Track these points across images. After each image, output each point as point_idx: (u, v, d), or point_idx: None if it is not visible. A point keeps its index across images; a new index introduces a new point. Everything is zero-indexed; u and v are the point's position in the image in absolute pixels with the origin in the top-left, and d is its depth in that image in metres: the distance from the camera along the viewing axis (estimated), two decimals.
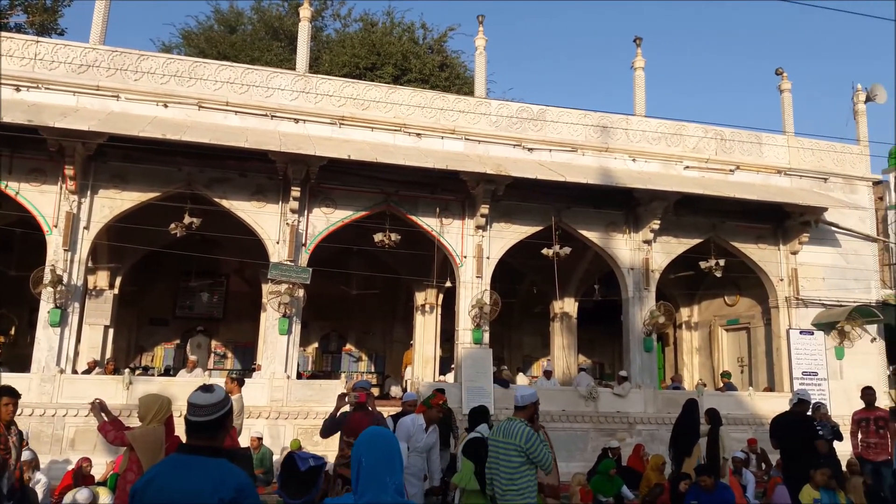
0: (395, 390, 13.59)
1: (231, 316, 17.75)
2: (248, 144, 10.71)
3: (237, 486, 2.42)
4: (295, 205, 11.76)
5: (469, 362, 12.39)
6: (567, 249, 12.81)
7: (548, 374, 14.45)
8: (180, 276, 17.07)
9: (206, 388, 2.60)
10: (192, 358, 13.74)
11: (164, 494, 2.39)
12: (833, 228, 14.65)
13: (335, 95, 12.62)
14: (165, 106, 11.83)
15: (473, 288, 12.71)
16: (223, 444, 2.58)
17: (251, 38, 24.52)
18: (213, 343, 17.91)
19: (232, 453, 4.87)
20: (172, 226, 11.47)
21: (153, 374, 15.10)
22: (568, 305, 17.18)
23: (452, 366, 13.58)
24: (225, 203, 11.90)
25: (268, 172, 11.77)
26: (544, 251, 12.90)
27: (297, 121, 12.39)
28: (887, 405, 12.45)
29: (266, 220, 11.97)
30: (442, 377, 15.37)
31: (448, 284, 13.84)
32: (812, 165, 14.93)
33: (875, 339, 14.51)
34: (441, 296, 16.43)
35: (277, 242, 11.89)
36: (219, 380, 10.75)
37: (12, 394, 5.65)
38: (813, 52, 75.42)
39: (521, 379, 16.13)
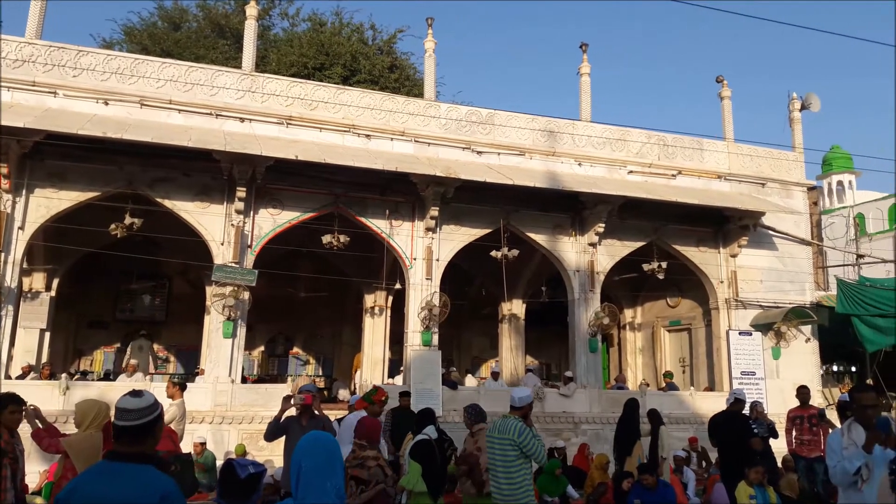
0: (342, 394, 13.47)
1: (174, 319, 17.33)
2: (192, 144, 10.48)
3: (162, 493, 2.37)
4: (240, 206, 11.56)
5: (418, 364, 12.39)
6: (515, 252, 12.95)
7: (495, 375, 14.54)
8: (121, 277, 16.58)
9: (135, 393, 2.56)
10: (133, 362, 13.35)
11: (89, 502, 2.33)
12: (770, 232, 15.17)
13: (282, 95, 12.47)
14: (106, 103, 11.49)
15: (423, 290, 12.73)
16: (152, 451, 2.54)
17: (196, 35, 24.03)
18: (156, 347, 17.45)
19: (171, 459, 4.77)
20: (113, 226, 11.14)
21: (92, 379, 14.63)
22: (516, 307, 17.35)
23: (402, 368, 13.56)
24: (168, 203, 11.63)
25: (212, 172, 11.54)
26: (493, 253, 13.02)
27: (242, 120, 12.19)
28: (821, 404, 12.96)
29: (210, 221, 11.74)
30: (390, 380, 15.32)
31: (398, 286, 13.81)
32: (751, 171, 15.44)
33: (809, 339, 15.08)
34: (391, 298, 16.37)
35: (222, 244, 11.67)
36: (160, 384, 10.49)
37: (18, 401, 5.38)
38: (752, 62, 78.09)
39: (470, 380, 16.18)
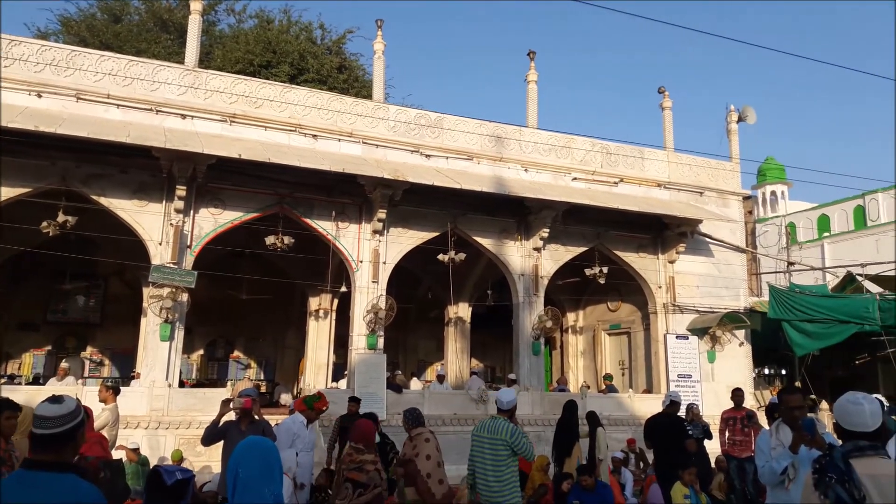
0: (285, 398, 13.30)
1: (109, 321, 16.78)
2: (130, 140, 10.16)
3: (83, 502, 2.28)
4: (180, 204, 11.27)
5: (363, 368, 12.30)
6: (462, 255, 13.01)
7: (441, 378, 14.58)
8: (53, 278, 15.95)
9: (54, 399, 2.45)
10: (64, 365, 12.83)
11: None
12: (707, 239, 15.64)
13: (226, 92, 12.23)
14: (39, 96, 11.06)
15: (369, 293, 12.64)
16: (72, 458, 2.44)
17: (138, 29, 23.40)
18: (90, 349, 16.86)
19: (100, 465, 4.61)
20: (44, 224, 10.71)
21: (20, 383, 14.03)
22: (462, 310, 17.42)
23: (346, 372, 13.43)
24: (103, 201, 11.25)
25: (151, 170, 11.22)
26: (440, 257, 13.03)
27: (184, 117, 11.90)
28: (753, 405, 13.40)
29: (148, 220, 11.40)
30: (334, 384, 15.19)
31: (343, 289, 13.70)
32: (689, 180, 15.88)
33: (743, 343, 15.60)
34: (336, 301, 16.24)
35: (160, 244, 11.35)
36: (93, 388, 10.12)
37: (14, 407, 5.08)
38: (693, 75, 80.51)
39: (415, 384, 16.17)
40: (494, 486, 5.66)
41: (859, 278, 16.15)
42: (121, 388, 8.97)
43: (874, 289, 15.83)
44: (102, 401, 7.90)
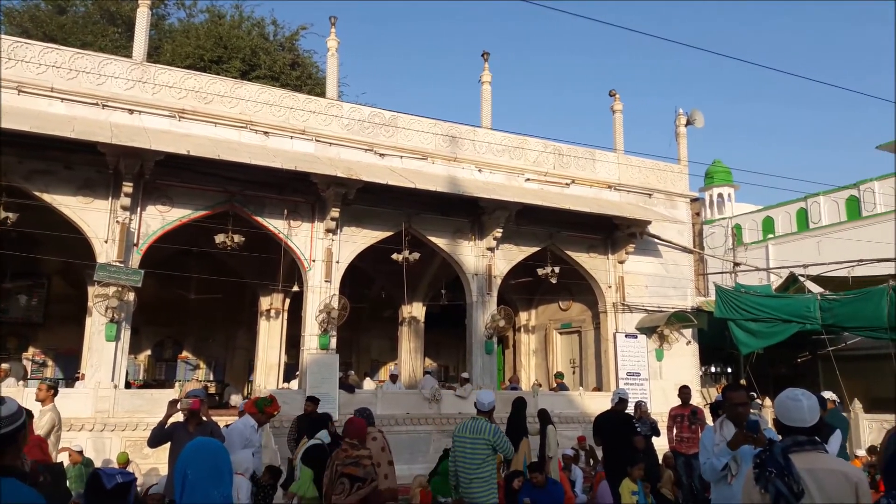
0: (234, 399, 13.08)
1: (52, 321, 16.24)
2: (75, 135, 9.86)
3: None
4: (127, 201, 10.98)
5: (315, 368, 12.19)
6: (416, 255, 13.01)
7: (394, 377, 14.56)
8: None
9: None
10: (4, 366, 12.37)
11: None
12: (655, 240, 15.96)
13: (175, 87, 11.96)
14: None
15: (322, 292, 12.54)
16: (12, 462, 2.37)
17: (84, 21, 22.70)
18: (32, 350, 16.30)
19: (40, 469, 4.46)
20: None
21: None
22: (416, 310, 17.41)
23: (297, 372, 13.29)
24: (46, 197, 10.89)
25: (97, 166, 10.91)
26: (394, 256, 13.01)
27: (132, 112, 11.59)
28: (700, 403, 13.74)
29: (93, 217, 11.08)
30: (286, 384, 15.02)
31: (295, 289, 13.53)
32: (639, 182, 16.19)
33: (690, 342, 15.98)
34: (288, 300, 16.04)
35: (106, 241, 11.04)
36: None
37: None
38: (644, 78, 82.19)
39: (368, 384, 16.10)
40: (475, 483, 5.93)
41: (801, 279, 16.73)
42: (64, 388, 8.70)
43: (815, 289, 16.42)
44: (41, 401, 7.61)
